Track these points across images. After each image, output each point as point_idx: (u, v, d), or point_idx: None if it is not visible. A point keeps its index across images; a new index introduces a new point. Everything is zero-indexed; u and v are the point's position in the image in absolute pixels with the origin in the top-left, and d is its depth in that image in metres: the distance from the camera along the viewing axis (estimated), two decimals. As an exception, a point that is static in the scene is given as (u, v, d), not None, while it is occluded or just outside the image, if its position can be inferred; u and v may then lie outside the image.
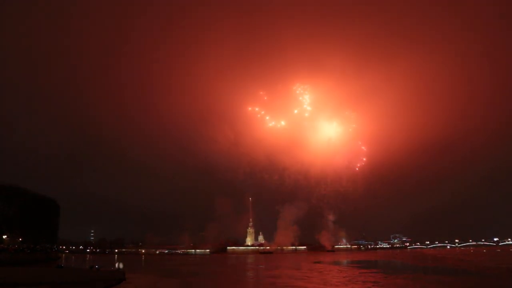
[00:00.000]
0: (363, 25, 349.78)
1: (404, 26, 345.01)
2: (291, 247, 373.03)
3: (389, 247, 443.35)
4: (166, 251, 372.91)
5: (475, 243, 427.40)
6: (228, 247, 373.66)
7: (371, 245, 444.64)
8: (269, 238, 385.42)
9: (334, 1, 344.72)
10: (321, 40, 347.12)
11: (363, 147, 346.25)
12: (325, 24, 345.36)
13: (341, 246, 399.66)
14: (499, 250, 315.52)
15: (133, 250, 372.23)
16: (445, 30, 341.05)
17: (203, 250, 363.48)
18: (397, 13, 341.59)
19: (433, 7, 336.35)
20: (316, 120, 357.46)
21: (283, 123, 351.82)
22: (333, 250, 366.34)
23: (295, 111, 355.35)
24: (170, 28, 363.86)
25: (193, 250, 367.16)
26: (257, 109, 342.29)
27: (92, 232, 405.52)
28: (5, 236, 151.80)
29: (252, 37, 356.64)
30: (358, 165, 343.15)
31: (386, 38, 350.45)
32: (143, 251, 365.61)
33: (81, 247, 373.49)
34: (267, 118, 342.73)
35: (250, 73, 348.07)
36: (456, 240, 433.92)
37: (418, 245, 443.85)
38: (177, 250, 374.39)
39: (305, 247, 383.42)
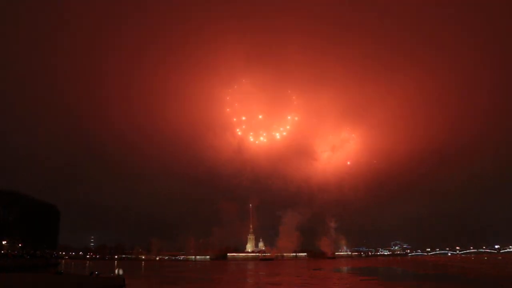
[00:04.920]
0: (364, 38, 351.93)
1: (404, 40, 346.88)
2: (292, 254, 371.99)
3: (390, 254, 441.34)
4: (167, 257, 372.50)
5: (476, 250, 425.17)
6: (228, 254, 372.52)
7: (371, 252, 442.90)
8: (270, 244, 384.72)
9: (336, 16, 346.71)
10: (322, 53, 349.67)
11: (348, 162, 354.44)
12: (326, 37, 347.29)
13: (342, 253, 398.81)
14: (500, 258, 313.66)
15: (133, 256, 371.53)
16: (444, 44, 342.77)
17: (203, 257, 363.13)
18: (397, 28, 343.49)
19: (434, 21, 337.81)
20: (316, 129, 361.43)
21: (284, 133, 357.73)
22: (333, 257, 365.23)
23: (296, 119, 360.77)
24: (175, 34, 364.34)
25: (193, 257, 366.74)
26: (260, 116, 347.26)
27: (92, 238, 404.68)
28: (5, 242, 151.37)
29: (256, 48, 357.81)
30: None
31: (386, 52, 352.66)
32: (143, 257, 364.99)
33: (80, 253, 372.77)
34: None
35: (253, 83, 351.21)
36: (457, 247, 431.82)
37: (419, 252, 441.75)
38: (177, 256, 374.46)
39: (305, 254, 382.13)
